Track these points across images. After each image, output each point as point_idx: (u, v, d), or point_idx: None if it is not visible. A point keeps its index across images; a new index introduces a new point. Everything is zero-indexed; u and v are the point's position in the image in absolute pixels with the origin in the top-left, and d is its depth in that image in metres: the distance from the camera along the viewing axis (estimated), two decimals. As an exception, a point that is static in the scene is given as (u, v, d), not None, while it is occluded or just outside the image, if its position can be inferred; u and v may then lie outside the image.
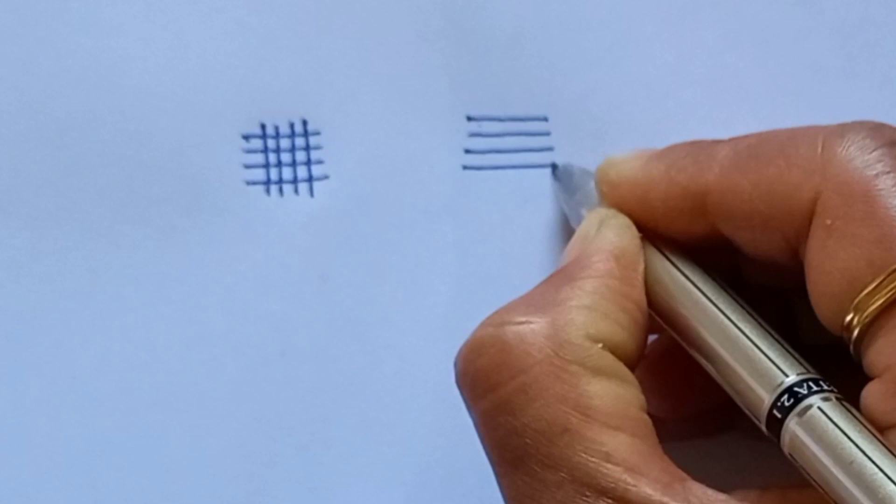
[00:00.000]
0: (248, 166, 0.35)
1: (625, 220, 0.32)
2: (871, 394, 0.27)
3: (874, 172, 0.28)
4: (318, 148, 0.35)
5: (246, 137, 0.35)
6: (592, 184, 0.33)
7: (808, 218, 0.29)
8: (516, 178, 0.36)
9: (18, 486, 0.34)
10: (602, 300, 0.30)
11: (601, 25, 0.36)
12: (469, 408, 0.30)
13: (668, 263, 0.31)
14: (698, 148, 0.31)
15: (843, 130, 0.29)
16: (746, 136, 0.31)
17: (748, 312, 0.30)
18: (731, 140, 0.31)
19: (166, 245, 0.34)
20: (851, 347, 0.28)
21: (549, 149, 0.36)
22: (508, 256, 0.36)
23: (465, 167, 0.36)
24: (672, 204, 0.31)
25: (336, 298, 0.35)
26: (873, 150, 0.28)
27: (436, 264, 0.35)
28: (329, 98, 0.35)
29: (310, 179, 0.35)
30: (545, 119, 0.36)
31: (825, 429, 0.26)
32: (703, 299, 0.30)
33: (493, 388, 0.28)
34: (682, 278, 0.31)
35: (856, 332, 0.28)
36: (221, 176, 0.34)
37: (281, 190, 0.35)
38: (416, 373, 0.35)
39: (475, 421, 0.29)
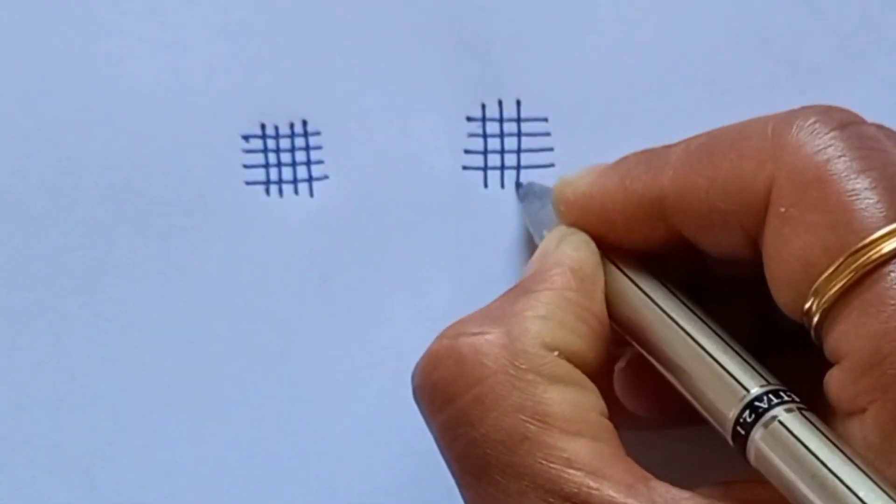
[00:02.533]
0: (247, 166, 0.35)
1: (583, 237, 0.32)
2: (832, 380, 0.27)
3: (825, 157, 0.28)
4: (317, 148, 0.35)
5: (246, 137, 0.35)
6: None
7: (765, 208, 0.28)
8: (517, 178, 0.36)
9: (18, 486, 0.34)
10: (558, 310, 0.29)
11: (601, 25, 0.36)
12: (427, 421, 0.29)
13: (627, 280, 0.31)
14: (651, 154, 0.31)
15: (791, 117, 0.29)
16: (697, 136, 0.31)
17: (709, 326, 0.30)
18: (682, 142, 0.31)
19: (166, 245, 0.34)
20: (812, 334, 0.28)
21: (550, 149, 0.36)
22: (508, 256, 0.36)
23: (465, 167, 0.36)
24: (630, 213, 0.31)
25: (336, 299, 0.35)
26: (824, 134, 0.28)
27: (436, 264, 0.35)
28: (329, 98, 0.35)
29: (310, 180, 0.35)
30: (545, 119, 0.36)
31: (786, 442, 0.26)
32: (663, 316, 0.30)
33: (451, 399, 0.28)
34: (642, 295, 0.31)
35: (815, 319, 0.28)
36: (221, 176, 0.34)
37: (281, 190, 0.35)
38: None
39: (434, 434, 0.29)
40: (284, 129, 0.35)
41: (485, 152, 0.35)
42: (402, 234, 0.35)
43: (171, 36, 0.34)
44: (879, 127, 0.30)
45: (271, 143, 0.35)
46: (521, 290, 0.30)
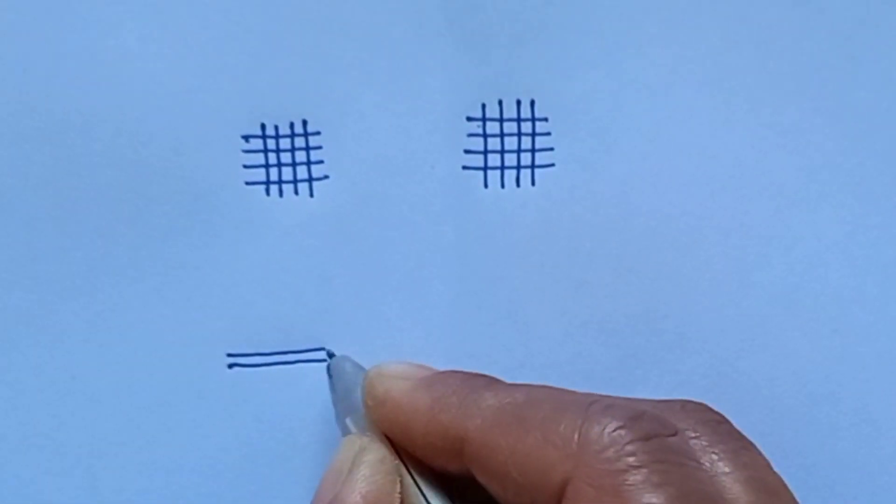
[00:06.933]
0: (247, 166, 0.35)
1: (379, 455, 0.31)
2: None
3: (624, 466, 0.27)
4: (317, 148, 0.35)
5: (246, 138, 0.35)
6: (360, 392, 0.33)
7: (559, 498, 0.28)
8: (516, 178, 0.36)
9: (18, 486, 0.34)
10: None
11: (601, 25, 0.36)
12: None
13: (422, 499, 0.31)
14: (467, 388, 0.31)
15: (602, 416, 0.28)
16: (517, 389, 0.30)
17: None
18: (501, 390, 0.30)
19: (166, 245, 0.34)
20: None
21: (550, 149, 0.36)
22: (508, 256, 0.36)
23: (464, 167, 0.36)
24: (431, 440, 0.31)
25: (336, 298, 0.35)
26: (628, 443, 0.27)
27: (436, 264, 0.35)
28: (329, 98, 0.35)
29: (310, 179, 0.35)
30: (545, 119, 0.36)
31: None
32: None
33: None
34: None
35: None
36: (221, 176, 0.34)
37: (281, 190, 0.35)
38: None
39: None
40: (284, 129, 0.35)
41: (485, 152, 0.35)
42: (402, 234, 0.35)
43: (172, 36, 0.34)
44: (690, 439, 0.29)
45: (271, 143, 0.35)
46: None
